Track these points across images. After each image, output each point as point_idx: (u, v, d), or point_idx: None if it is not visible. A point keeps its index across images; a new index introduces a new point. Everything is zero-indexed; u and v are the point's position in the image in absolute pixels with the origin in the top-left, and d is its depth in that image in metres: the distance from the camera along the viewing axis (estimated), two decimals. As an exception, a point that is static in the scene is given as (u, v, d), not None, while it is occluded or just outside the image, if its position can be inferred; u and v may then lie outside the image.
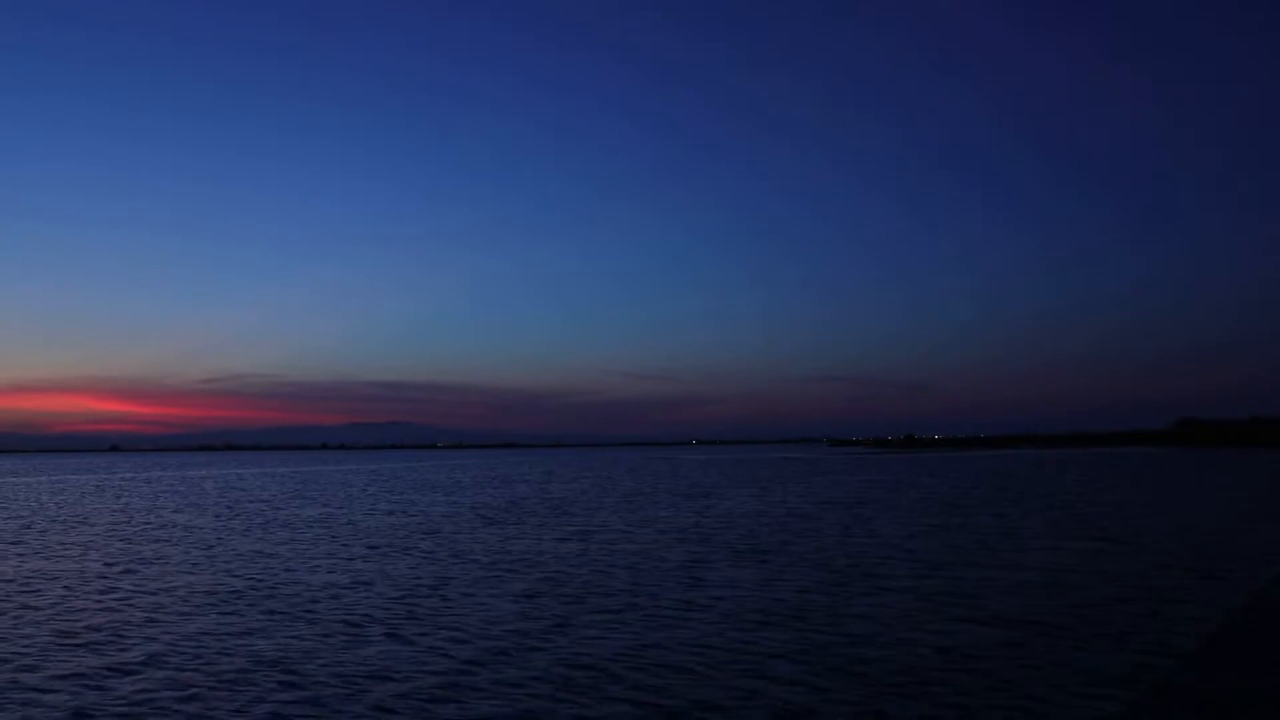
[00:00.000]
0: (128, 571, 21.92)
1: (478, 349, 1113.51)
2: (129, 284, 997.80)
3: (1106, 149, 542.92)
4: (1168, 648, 12.04)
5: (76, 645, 13.63)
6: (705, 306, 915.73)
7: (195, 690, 10.94)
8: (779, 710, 9.84)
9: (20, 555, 25.67)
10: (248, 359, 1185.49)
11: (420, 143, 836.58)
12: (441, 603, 16.92)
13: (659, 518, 35.36)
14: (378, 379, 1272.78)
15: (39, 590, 19.12)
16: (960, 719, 9.41)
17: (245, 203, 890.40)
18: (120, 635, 14.30)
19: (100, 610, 16.61)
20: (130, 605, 17.08)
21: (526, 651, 12.82)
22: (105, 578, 20.93)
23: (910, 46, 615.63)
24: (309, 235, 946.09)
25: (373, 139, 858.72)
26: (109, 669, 12.09)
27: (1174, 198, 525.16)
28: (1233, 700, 5.29)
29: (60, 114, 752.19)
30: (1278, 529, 27.69)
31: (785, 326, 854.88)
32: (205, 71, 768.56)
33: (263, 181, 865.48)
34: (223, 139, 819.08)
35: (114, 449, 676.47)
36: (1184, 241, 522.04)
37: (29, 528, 34.92)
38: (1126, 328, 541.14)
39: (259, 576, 20.67)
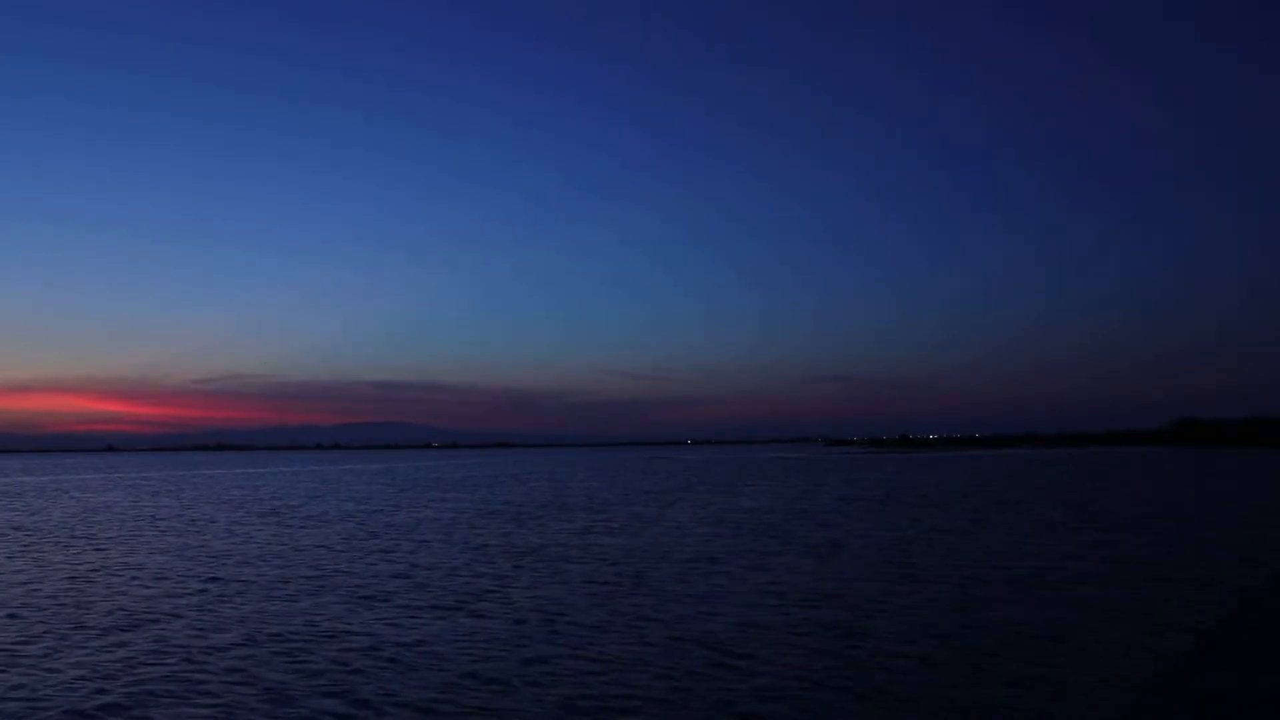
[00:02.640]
0: (203, 564, 23.02)
1: (473, 349, 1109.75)
2: (124, 284, 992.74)
3: (1104, 149, 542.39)
4: (1167, 646, 12.16)
5: (194, 629, 14.95)
6: (702, 307, 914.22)
7: (352, 665, 12.41)
8: (829, 683, 11.27)
9: (91, 551, 26.82)
10: (243, 359, 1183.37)
11: (415, 142, 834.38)
12: (511, 589, 18.12)
13: (687, 511, 36.25)
14: (373, 379, 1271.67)
15: (127, 586, 20.35)
16: (957, 713, 9.77)
17: (240, 203, 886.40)
18: (243, 619, 15.57)
19: (208, 598, 17.89)
20: (228, 593, 18.32)
21: (607, 632, 14.16)
22: (190, 573, 21.99)
23: (907, 47, 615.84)
24: (304, 235, 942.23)
25: (368, 138, 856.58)
26: (259, 642, 13.44)
27: (1171, 197, 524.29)
28: (1233, 700, 5.31)
29: (56, 114, 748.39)
30: (1276, 528, 27.96)
31: (781, 327, 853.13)
32: (201, 72, 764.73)
33: (257, 181, 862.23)
34: (218, 139, 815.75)
35: (109, 449, 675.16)
36: (1181, 241, 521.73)
37: (65, 526, 35.98)
38: (1124, 327, 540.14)
39: (331, 567, 21.86)
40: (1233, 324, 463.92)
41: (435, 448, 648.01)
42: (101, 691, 10.91)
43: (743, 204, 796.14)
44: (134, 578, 20.62)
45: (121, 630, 14.59)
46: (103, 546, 27.41)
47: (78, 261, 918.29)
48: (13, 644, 13.64)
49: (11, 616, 15.89)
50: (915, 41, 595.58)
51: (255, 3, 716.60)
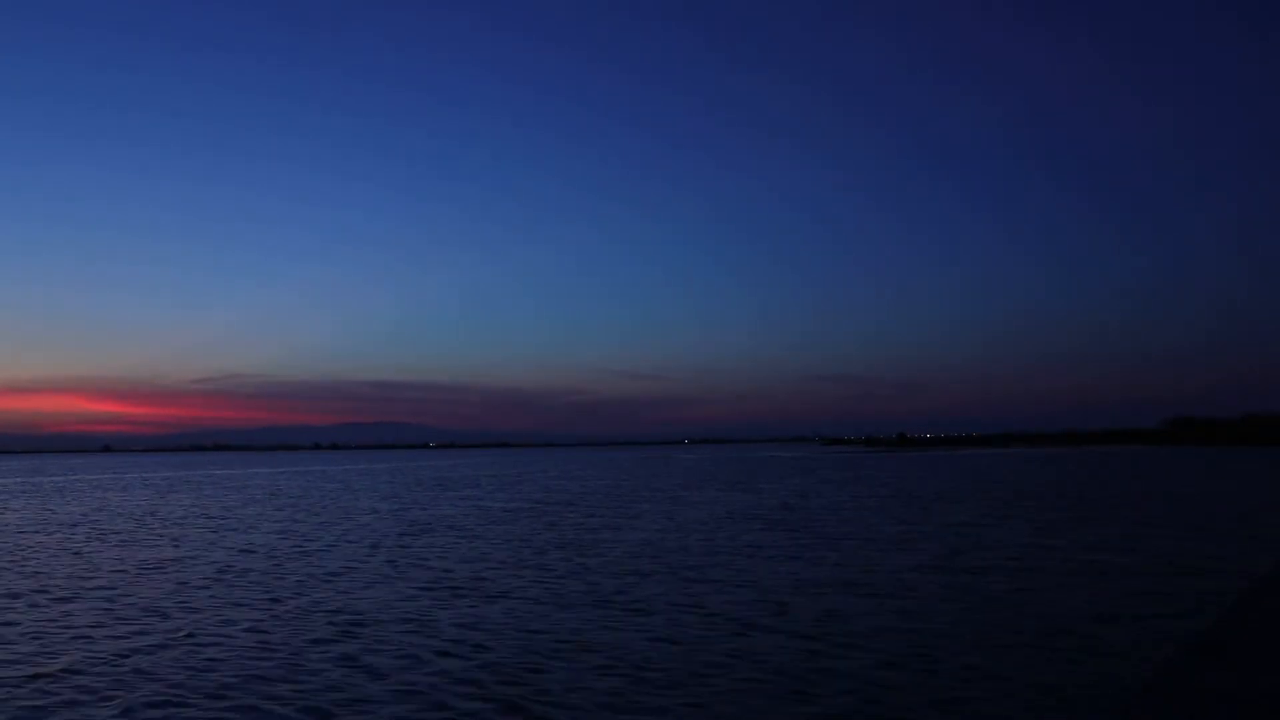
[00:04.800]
0: (253, 558, 23.83)
1: (469, 349, 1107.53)
2: (123, 284, 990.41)
3: (1102, 149, 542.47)
4: (1166, 646, 12.30)
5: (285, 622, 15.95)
6: (696, 306, 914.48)
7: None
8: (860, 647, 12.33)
9: (140, 548, 27.55)
10: (241, 359, 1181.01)
11: (410, 143, 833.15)
12: (560, 578, 19.07)
13: (700, 508, 37.03)
14: (371, 379, 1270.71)
15: (194, 580, 21.21)
16: (954, 710, 10.13)
17: (236, 203, 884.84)
18: (319, 608, 16.56)
19: (277, 591, 18.75)
20: (293, 585, 19.23)
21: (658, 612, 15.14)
22: (245, 567, 22.75)
23: (906, 47, 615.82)
24: (300, 235, 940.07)
25: (363, 139, 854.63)
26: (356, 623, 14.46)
27: (1170, 198, 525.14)
28: (1232, 700, 5.36)
29: (56, 114, 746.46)
30: (1276, 526, 28.68)
31: (776, 326, 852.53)
32: (200, 72, 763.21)
33: (253, 182, 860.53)
34: (213, 140, 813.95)
35: (106, 449, 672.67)
36: (1179, 241, 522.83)
37: (98, 523, 36.65)
38: (1119, 326, 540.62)
39: (380, 559, 22.71)
40: (1229, 323, 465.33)
41: (433, 448, 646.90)
42: (224, 689, 11.51)
43: (740, 204, 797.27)
44: (194, 571, 21.38)
45: (215, 622, 15.45)
46: (150, 543, 28.09)
47: (78, 261, 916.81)
48: (122, 636, 14.51)
49: (106, 609, 16.80)
50: (914, 42, 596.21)
51: (254, 3, 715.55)
